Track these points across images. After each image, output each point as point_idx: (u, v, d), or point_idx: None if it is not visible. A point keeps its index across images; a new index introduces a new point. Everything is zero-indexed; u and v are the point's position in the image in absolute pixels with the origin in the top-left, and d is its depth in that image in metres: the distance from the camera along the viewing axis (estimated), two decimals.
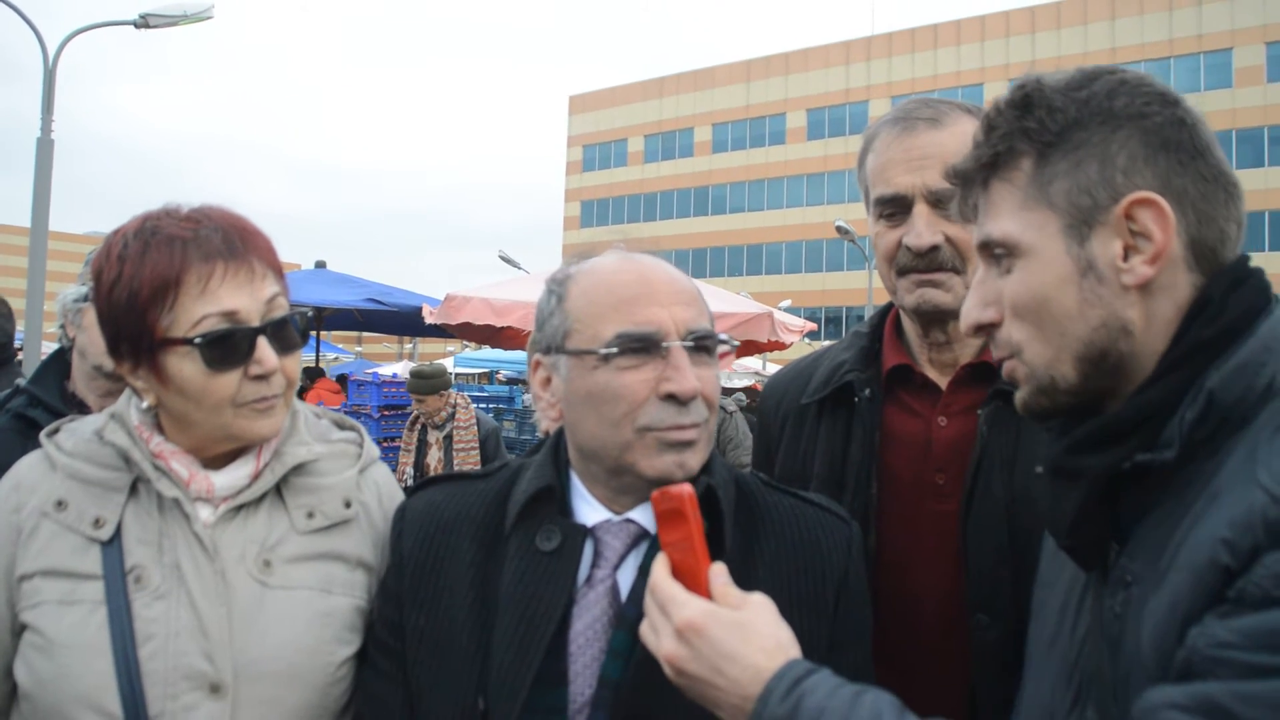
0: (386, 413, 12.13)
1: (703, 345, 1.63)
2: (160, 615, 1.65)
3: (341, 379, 15.25)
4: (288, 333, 1.75)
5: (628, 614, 1.58)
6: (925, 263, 1.97)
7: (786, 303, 31.67)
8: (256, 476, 1.77)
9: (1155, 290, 1.29)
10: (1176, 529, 1.21)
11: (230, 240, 1.69)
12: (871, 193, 2.06)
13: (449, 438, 8.41)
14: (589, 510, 1.67)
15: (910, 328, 2.12)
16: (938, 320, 2.03)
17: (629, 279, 1.63)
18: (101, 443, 1.75)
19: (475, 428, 8.49)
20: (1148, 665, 1.18)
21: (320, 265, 14.99)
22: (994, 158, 1.37)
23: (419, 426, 8.62)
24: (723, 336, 1.67)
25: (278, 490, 1.79)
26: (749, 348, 11.90)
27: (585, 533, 1.63)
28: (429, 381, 8.47)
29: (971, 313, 1.41)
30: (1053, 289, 1.31)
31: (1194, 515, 1.19)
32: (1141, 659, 1.20)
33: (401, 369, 23.41)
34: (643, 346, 1.58)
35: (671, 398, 1.57)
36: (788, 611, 1.56)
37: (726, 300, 11.55)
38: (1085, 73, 1.35)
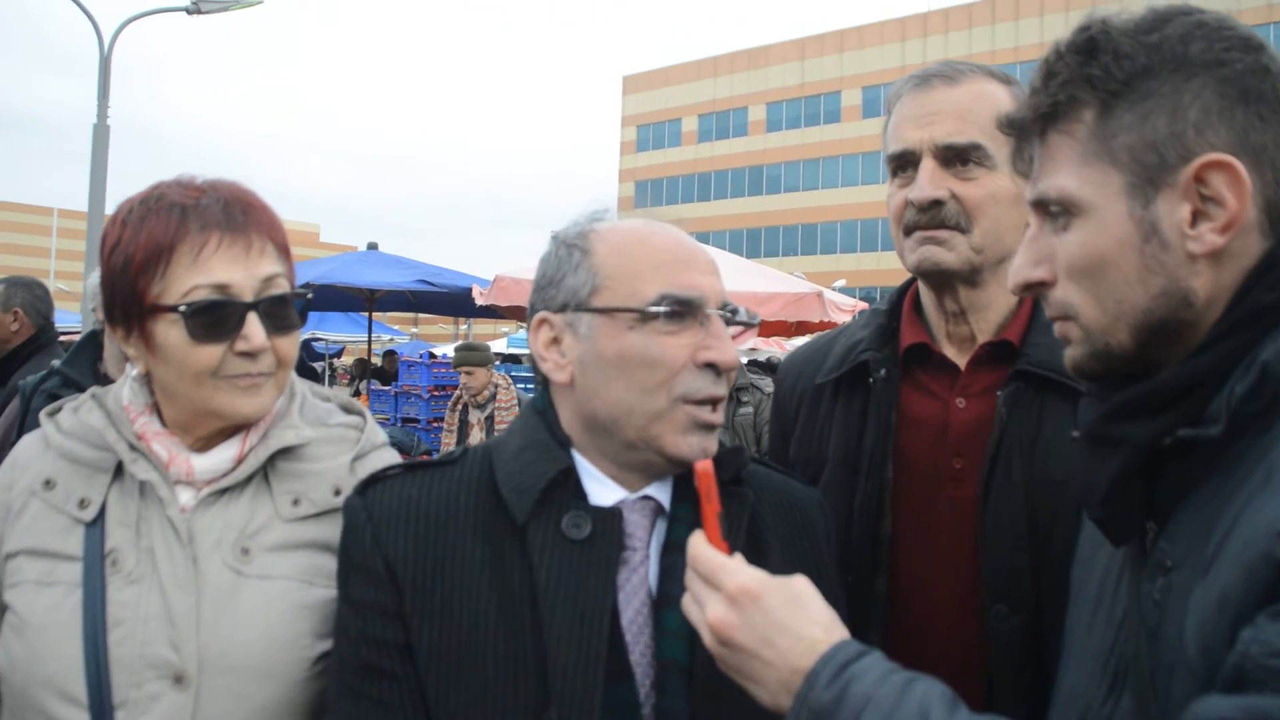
0: (436, 392, 12.22)
1: (734, 319, 1.59)
2: (131, 600, 1.61)
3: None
4: (284, 312, 1.69)
5: (675, 593, 1.49)
6: (928, 219, 1.89)
7: (840, 283, 31.42)
8: (240, 460, 1.71)
9: (1224, 258, 1.18)
10: (1222, 513, 1.12)
11: (230, 212, 1.64)
12: (885, 153, 1.99)
13: (490, 418, 8.45)
14: (602, 490, 1.57)
15: (927, 299, 2.04)
16: (945, 284, 1.95)
17: (668, 241, 1.59)
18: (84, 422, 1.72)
19: (516, 408, 8.53)
20: (1192, 662, 1.10)
21: (372, 247, 15.08)
22: (1053, 107, 1.25)
23: (461, 407, 8.67)
24: (754, 317, 1.63)
25: (265, 476, 1.73)
26: (802, 328, 11.84)
27: (618, 516, 1.53)
28: (480, 354, 8.55)
29: (1021, 270, 1.31)
30: (1112, 252, 1.21)
31: (1243, 499, 1.10)
32: (1185, 653, 1.12)
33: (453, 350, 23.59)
34: (685, 311, 1.53)
35: (710, 367, 1.52)
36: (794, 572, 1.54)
37: (775, 280, 11.48)
38: (1158, 13, 1.23)
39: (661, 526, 1.58)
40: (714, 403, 1.54)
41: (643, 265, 1.55)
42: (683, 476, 1.58)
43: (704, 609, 1.30)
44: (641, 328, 1.52)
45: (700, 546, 1.34)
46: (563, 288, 1.59)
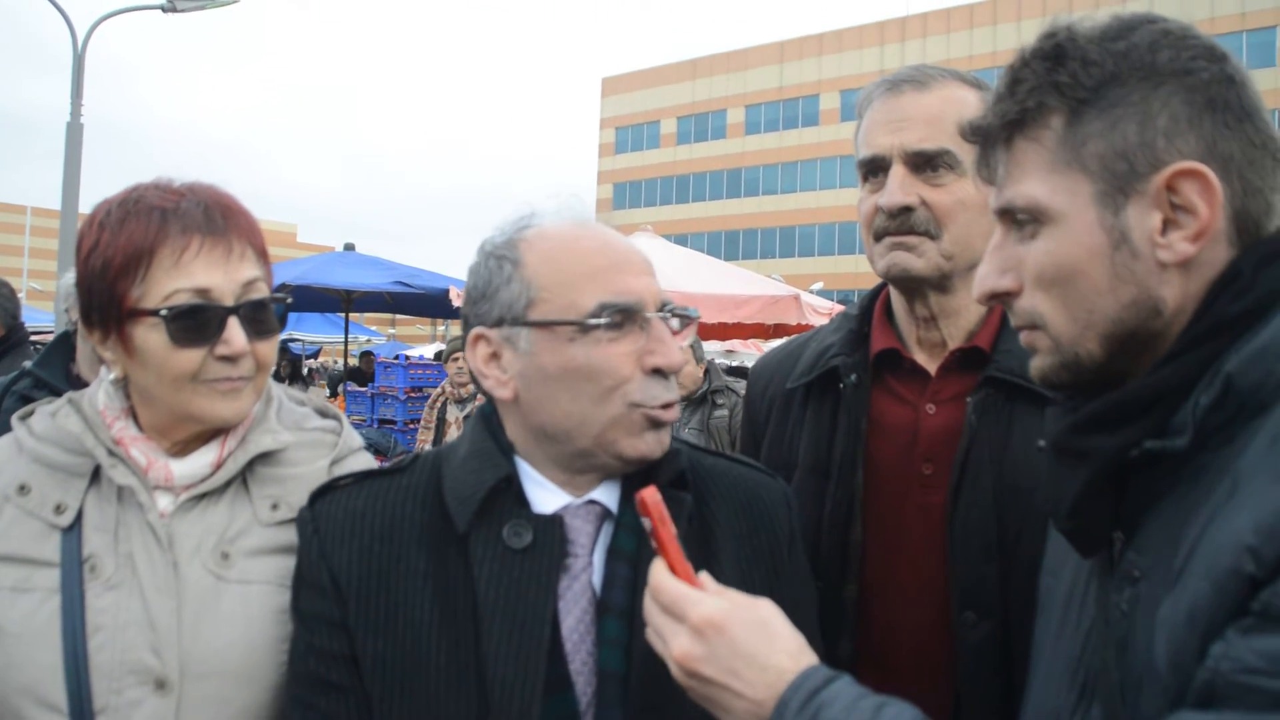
0: (413, 394, 12.16)
1: (674, 315, 1.56)
2: (110, 606, 1.60)
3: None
4: (264, 316, 1.69)
5: (615, 601, 1.50)
6: (897, 224, 1.89)
7: (818, 285, 31.49)
8: (219, 465, 1.70)
9: (1192, 268, 1.17)
10: (1189, 524, 1.12)
11: (211, 215, 1.64)
12: (857, 158, 1.99)
13: (468, 418, 8.42)
14: (546, 496, 1.55)
15: (898, 304, 2.03)
16: (915, 290, 1.94)
17: (597, 245, 1.55)
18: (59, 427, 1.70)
19: None
20: (1162, 675, 1.10)
21: (349, 247, 15.02)
22: (1021, 114, 1.23)
23: (440, 405, 8.66)
24: (690, 310, 1.59)
25: (244, 480, 1.72)
26: (779, 330, 11.87)
27: (559, 524, 1.52)
28: None
29: (987, 279, 1.29)
30: (1082, 261, 1.19)
31: (1209, 510, 1.10)
32: (1154, 666, 1.12)
33: (431, 351, 23.55)
34: (626, 318, 1.50)
35: (658, 372, 1.50)
36: (748, 573, 1.52)
37: (753, 283, 11.50)
38: (1123, 22, 1.22)
39: (608, 530, 1.57)
40: (668, 406, 1.53)
41: (576, 274, 1.51)
42: (629, 479, 1.57)
43: (668, 643, 1.29)
44: (583, 339, 1.49)
45: (662, 577, 1.32)
46: (497, 302, 1.55)
